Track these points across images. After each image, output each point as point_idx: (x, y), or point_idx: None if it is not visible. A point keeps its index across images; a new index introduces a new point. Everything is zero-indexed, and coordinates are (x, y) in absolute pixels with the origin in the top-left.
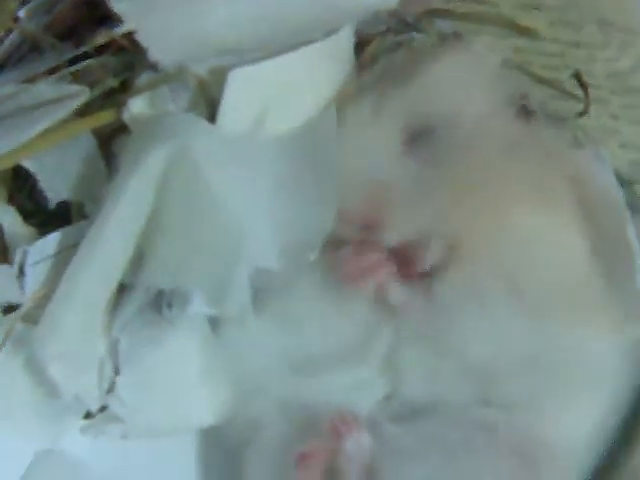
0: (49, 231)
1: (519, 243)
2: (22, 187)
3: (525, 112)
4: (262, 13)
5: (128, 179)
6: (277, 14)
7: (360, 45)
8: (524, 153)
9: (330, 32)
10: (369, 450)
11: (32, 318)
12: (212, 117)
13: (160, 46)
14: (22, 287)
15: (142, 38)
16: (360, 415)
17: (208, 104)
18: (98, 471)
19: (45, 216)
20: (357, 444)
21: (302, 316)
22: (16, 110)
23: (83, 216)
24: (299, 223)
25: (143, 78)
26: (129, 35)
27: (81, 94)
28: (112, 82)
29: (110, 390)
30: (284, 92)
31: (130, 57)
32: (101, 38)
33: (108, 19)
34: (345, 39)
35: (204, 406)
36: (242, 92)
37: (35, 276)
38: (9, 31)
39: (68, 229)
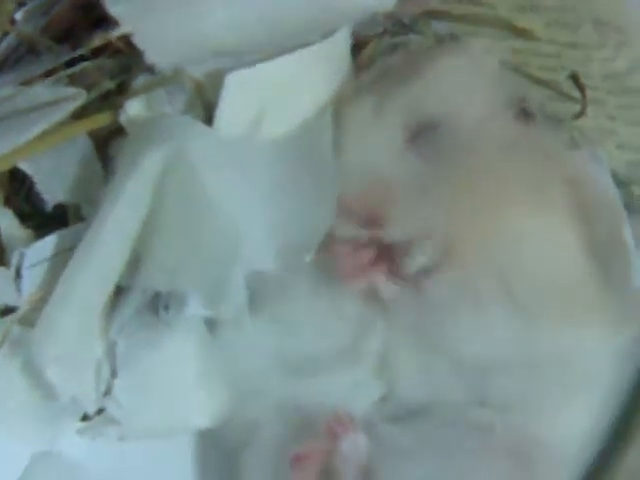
0: (46, 233)
1: (515, 243)
2: (19, 189)
3: (524, 115)
4: (259, 15)
5: (125, 181)
6: (274, 16)
7: (357, 47)
8: (522, 155)
9: (327, 34)
10: (365, 451)
11: (29, 321)
12: (209, 120)
13: (156, 49)
14: (19, 289)
15: (138, 41)
16: (356, 416)
17: (205, 107)
18: (95, 473)
19: (42, 218)
20: (353, 445)
21: (298, 318)
22: (13, 112)
23: (80, 218)
24: (295, 225)
25: (140, 80)
26: (125, 38)
27: (78, 96)
28: (109, 84)
29: (107, 392)
30: (281, 94)
31: (126, 60)
32: (98, 41)
33: (104, 22)
34: (342, 41)
35: (201, 408)
36: (239, 95)
37: (32, 278)
38: (6, 33)
39: (65, 231)
